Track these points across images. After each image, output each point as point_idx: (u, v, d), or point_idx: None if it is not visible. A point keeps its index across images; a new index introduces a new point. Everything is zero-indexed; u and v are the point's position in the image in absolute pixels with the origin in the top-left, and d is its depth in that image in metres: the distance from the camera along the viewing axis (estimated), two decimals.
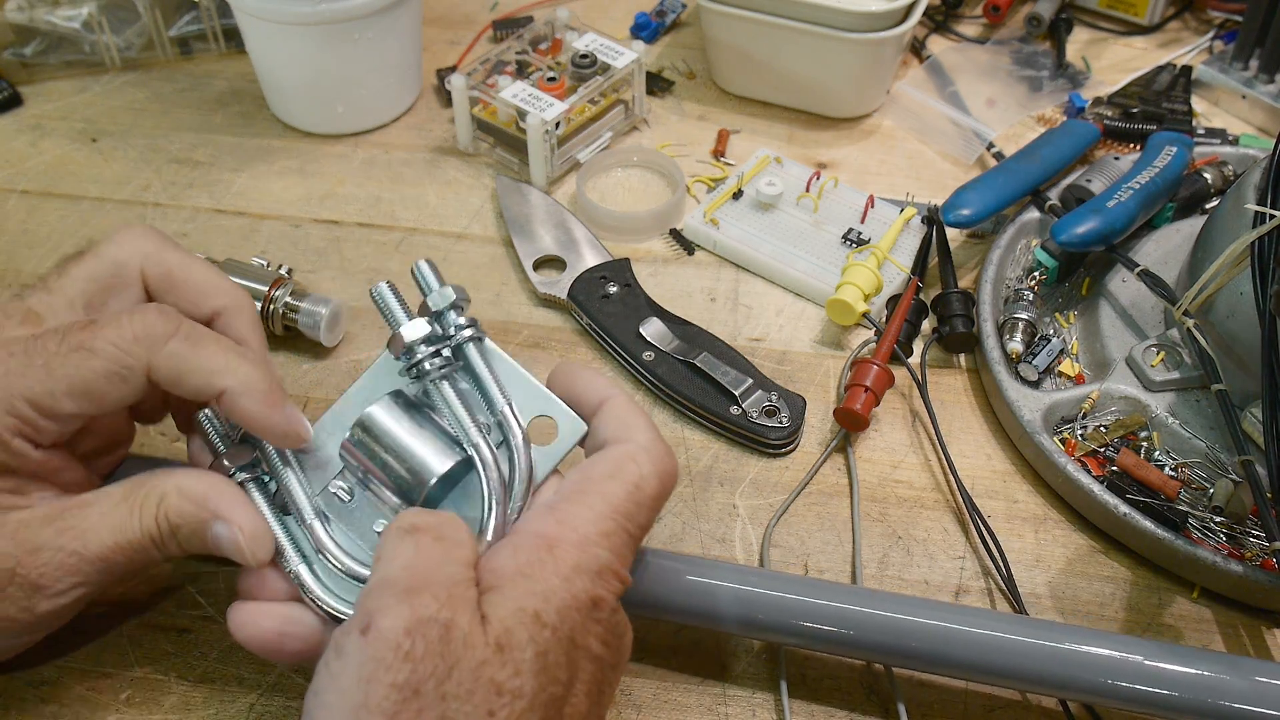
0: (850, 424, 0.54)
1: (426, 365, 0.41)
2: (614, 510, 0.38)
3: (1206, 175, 0.64)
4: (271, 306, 0.58)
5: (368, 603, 0.35)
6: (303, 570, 0.40)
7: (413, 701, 0.32)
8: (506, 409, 0.42)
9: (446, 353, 0.42)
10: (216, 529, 0.40)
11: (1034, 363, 0.56)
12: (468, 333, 0.42)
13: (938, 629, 0.43)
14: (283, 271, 0.60)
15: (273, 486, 0.43)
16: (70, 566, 0.40)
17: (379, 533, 0.41)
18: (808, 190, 0.66)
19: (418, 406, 0.42)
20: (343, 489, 0.43)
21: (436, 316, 0.43)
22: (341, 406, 0.44)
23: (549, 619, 0.35)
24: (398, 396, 0.42)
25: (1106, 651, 0.42)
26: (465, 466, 0.41)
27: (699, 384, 0.56)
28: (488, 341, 0.43)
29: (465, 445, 0.41)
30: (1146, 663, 0.41)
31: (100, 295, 0.43)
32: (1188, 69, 0.75)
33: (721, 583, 0.44)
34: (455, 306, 0.43)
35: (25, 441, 0.40)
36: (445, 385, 0.42)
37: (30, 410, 0.40)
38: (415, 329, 0.42)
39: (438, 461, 0.41)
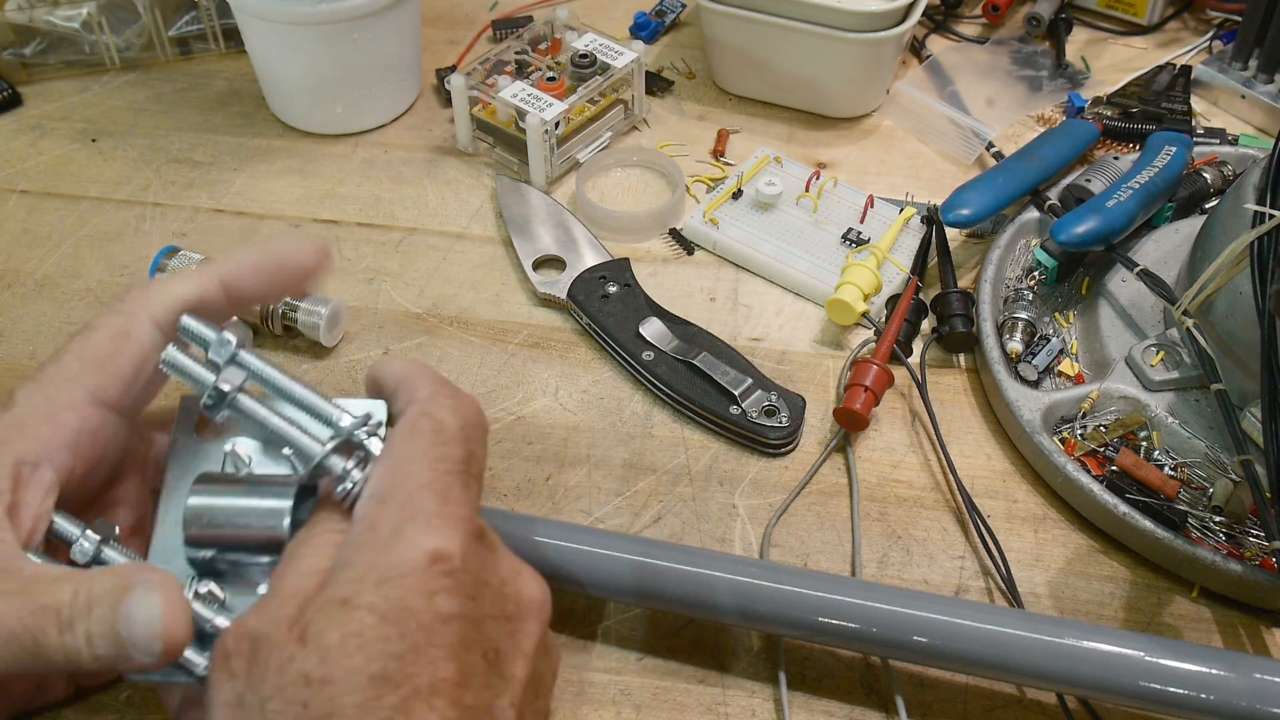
0: (850, 424, 0.54)
1: (225, 387, 0.40)
2: (425, 459, 0.37)
3: (1206, 175, 0.64)
4: (271, 306, 0.58)
5: None
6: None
7: (239, 712, 0.33)
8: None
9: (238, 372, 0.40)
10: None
11: (1034, 362, 0.56)
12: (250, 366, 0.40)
13: (935, 621, 0.43)
14: None
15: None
16: None
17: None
18: (807, 190, 0.66)
19: (225, 476, 0.41)
20: (215, 591, 0.39)
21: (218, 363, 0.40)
22: (162, 529, 0.41)
23: (362, 600, 0.33)
24: (203, 477, 0.40)
25: (1107, 646, 0.42)
26: (305, 494, 0.40)
27: (699, 384, 0.56)
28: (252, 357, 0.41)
29: (298, 460, 0.39)
30: (1147, 658, 0.41)
31: None
32: (1187, 69, 0.75)
33: (719, 574, 0.44)
34: (240, 348, 0.40)
35: None
36: (251, 401, 0.40)
37: None
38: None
39: (280, 503, 0.39)
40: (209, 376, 0.40)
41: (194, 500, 0.39)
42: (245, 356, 0.40)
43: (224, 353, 0.40)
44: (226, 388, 0.40)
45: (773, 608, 0.44)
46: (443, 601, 0.34)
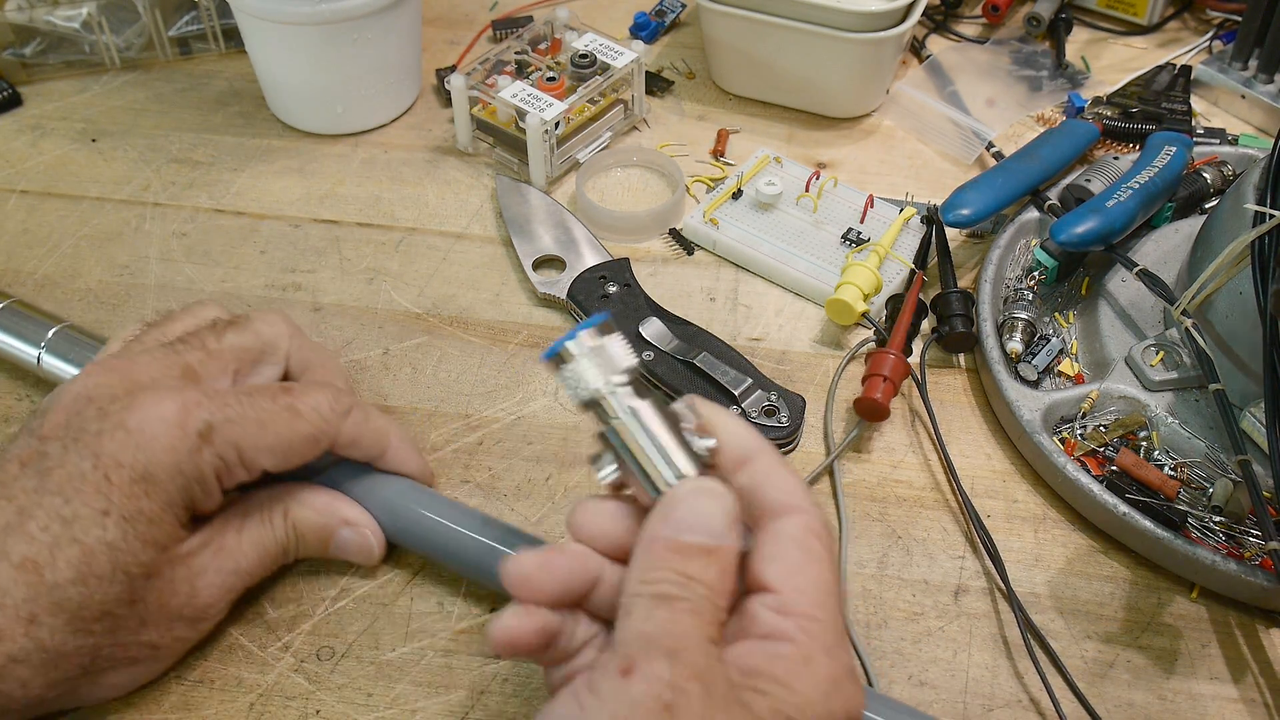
0: (870, 414, 0.54)
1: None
2: (831, 593, 0.37)
3: (1206, 175, 0.64)
4: None
5: (628, 649, 0.34)
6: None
7: None
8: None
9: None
10: (343, 533, 0.47)
11: (1033, 362, 0.56)
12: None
13: None
14: None
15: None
16: (228, 585, 0.45)
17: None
18: (807, 190, 0.66)
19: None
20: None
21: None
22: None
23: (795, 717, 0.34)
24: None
25: None
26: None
27: (699, 384, 0.56)
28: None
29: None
30: None
31: (246, 366, 0.47)
32: (1187, 69, 0.75)
33: None
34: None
35: (218, 484, 0.43)
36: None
37: (235, 457, 0.43)
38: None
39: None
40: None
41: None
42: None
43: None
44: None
45: None
46: None
